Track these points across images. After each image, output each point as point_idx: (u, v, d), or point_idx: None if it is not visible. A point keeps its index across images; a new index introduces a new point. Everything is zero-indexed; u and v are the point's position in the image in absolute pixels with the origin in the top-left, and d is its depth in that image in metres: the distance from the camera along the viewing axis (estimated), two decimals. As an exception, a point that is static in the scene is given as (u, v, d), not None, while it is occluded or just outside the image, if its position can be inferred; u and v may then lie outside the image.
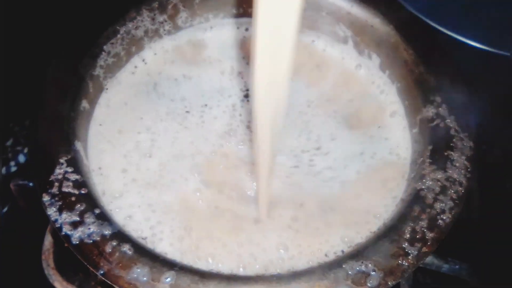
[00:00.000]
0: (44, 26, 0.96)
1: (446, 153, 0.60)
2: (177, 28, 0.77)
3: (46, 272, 0.69)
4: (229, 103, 0.71)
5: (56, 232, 0.67)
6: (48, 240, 0.71)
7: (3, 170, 0.91)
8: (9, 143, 0.93)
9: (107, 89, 0.70)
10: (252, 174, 0.64)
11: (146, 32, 0.74)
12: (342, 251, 0.58)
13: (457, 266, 0.64)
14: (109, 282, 0.51)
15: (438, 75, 0.66)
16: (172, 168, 0.65)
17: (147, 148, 0.66)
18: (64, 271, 0.69)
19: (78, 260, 0.81)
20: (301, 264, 0.57)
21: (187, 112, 0.70)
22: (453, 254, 0.64)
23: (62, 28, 0.76)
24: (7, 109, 0.92)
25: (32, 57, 0.95)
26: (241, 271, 0.57)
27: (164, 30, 0.76)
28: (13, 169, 0.91)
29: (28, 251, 0.77)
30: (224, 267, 0.57)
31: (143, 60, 0.75)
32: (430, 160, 0.61)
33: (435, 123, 0.63)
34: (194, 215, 0.61)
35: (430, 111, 0.64)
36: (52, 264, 0.69)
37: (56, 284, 0.67)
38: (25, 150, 0.92)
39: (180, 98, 0.72)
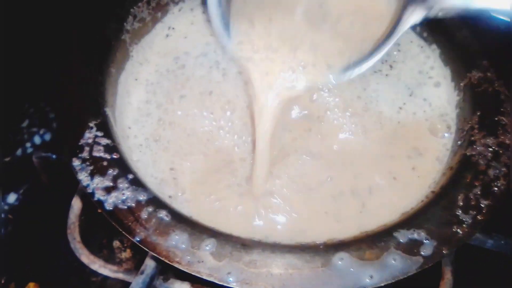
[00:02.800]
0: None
1: (496, 118, 0.57)
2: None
3: (72, 246, 0.66)
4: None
5: (85, 200, 0.65)
6: (73, 214, 0.68)
7: (19, 151, 0.88)
8: (24, 124, 0.91)
9: (132, 55, 0.67)
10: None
11: (172, -3, 0.71)
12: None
13: (502, 242, 0.60)
14: (146, 249, 0.48)
15: (483, 39, 0.62)
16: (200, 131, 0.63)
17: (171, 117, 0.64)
18: (89, 247, 0.66)
19: (102, 235, 0.79)
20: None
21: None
22: (498, 228, 0.60)
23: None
24: (22, 90, 0.90)
25: (50, 30, 0.92)
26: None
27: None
28: (29, 150, 0.89)
29: (52, 227, 0.74)
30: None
31: (169, 27, 0.71)
32: (479, 126, 0.57)
33: (482, 88, 0.60)
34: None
35: (476, 76, 0.61)
36: (78, 237, 0.66)
37: (83, 257, 0.65)
38: (41, 131, 0.90)
39: (206, 64, 0.69)
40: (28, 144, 0.89)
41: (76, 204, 0.68)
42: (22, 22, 0.92)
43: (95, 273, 0.65)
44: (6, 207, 0.83)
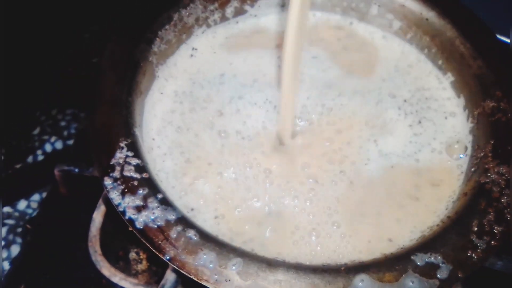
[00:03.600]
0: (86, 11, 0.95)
1: (509, 148, 0.59)
2: (224, 19, 0.76)
3: (93, 258, 0.68)
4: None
5: (106, 216, 0.67)
6: (94, 227, 0.70)
7: (30, 158, 0.90)
8: (35, 132, 0.92)
9: (158, 75, 0.69)
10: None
11: (197, 20, 0.73)
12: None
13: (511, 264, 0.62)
14: (176, 268, 0.50)
15: (498, 69, 0.65)
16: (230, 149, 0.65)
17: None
18: (106, 258, 0.68)
19: (118, 248, 0.80)
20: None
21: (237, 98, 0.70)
22: (508, 251, 0.62)
23: (109, 13, 0.75)
24: (34, 98, 0.92)
25: (65, 45, 0.94)
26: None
27: (214, 19, 0.75)
28: (40, 158, 0.90)
29: (71, 238, 0.76)
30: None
31: (193, 48, 0.73)
32: (492, 154, 0.59)
33: (496, 117, 0.62)
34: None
35: (490, 105, 0.63)
36: (99, 250, 0.68)
37: (104, 270, 0.66)
38: (52, 139, 0.92)
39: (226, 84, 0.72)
40: (39, 152, 0.91)
41: (97, 217, 0.70)
42: (40, 32, 0.94)
43: (111, 285, 0.67)
44: (16, 214, 0.84)
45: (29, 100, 0.92)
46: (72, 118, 0.93)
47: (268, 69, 0.72)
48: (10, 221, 0.83)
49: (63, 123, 0.93)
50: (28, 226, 0.84)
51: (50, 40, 0.94)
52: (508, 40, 0.74)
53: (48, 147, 0.91)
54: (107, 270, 0.67)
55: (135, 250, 0.79)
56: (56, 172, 0.76)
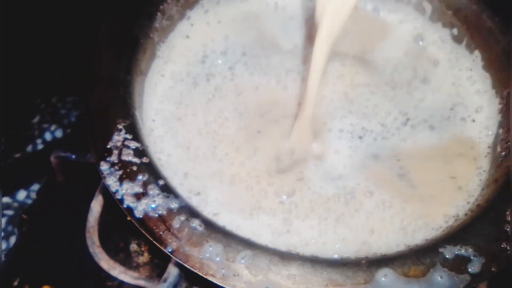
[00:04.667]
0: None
1: (543, 130, 0.54)
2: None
3: (91, 250, 0.64)
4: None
5: (104, 204, 0.62)
6: (92, 217, 0.66)
7: (30, 147, 0.86)
8: (35, 120, 0.89)
9: (159, 56, 0.64)
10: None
11: (201, -6, 0.68)
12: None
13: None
14: (179, 261, 0.45)
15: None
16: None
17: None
18: (106, 249, 0.64)
19: (118, 239, 0.77)
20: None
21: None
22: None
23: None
24: (33, 85, 0.89)
25: (63, 29, 0.90)
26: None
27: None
28: (40, 146, 0.87)
29: (68, 228, 0.72)
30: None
31: (192, 25, 0.68)
32: (524, 137, 0.54)
33: (528, 96, 0.57)
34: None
35: (521, 84, 0.58)
36: (97, 242, 0.64)
37: (102, 263, 0.62)
38: (52, 128, 0.88)
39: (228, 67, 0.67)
40: (38, 140, 0.88)
41: (96, 207, 0.66)
42: (39, 17, 0.91)
43: (111, 277, 0.63)
44: (15, 204, 0.81)
45: (29, 87, 0.89)
46: (72, 106, 0.91)
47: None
48: (9, 212, 0.80)
49: (63, 111, 0.90)
50: (24, 216, 0.80)
51: (50, 28, 0.90)
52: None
53: (48, 136, 0.88)
54: (105, 262, 0.63)
55: (136, 241, 0.75)
56: (52, 159, 0.72)
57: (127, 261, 0.75)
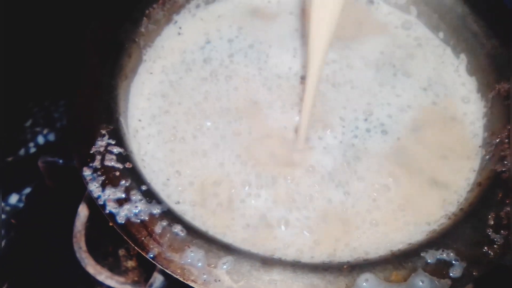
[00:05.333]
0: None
1: (528, 133, 0.54)
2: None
3: (78, 255, 0.63)
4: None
5: (91, 209, 0.62)
6: (79, 221, 0.66)
7: (22, 151, 0.86)
8: (28, 124, 0.89)
9: (145, 58, 0.64)
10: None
11: (187, -2, 0.68)
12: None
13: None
14: (160, 267, 0.45)
15: (513, 48, 0.60)
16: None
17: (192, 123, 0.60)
18: (94, 256, 0.64)
19: (107, 243, 0.76)
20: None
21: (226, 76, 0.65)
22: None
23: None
24: (26, 89, 0.88)
25: (56, 33, 0.90)
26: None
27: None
28: (32, 150, 0.86)
29: (56, 234, 0.72)
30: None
31: (180, 28, 0.68)
32: (509, 141, 0.54)
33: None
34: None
35: (505, 88, 0.58)
36: (84, 247, 0.64)
37: (88, 268, 0.62)
38: (45, 131, 0.88)
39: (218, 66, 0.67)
40: (31, 144, 0.88)
41: (83, 211, 0.66)
42: (31, 21, 0.90)
43: (99, 283, 0.62)
44: (7, 208, 0.81)
45: (21, 91, 0.89)
46: (65, 109, 0.90)
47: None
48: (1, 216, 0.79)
49: (56, 115, 0.90)
50: (12, 220, 0.80)
51: (42, 31, 0.90)
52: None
53: (40, 139, 0.88)
54: (92, 267, 0.63)
55: (125, 246, 0.75)
56: (40, 163, 0.72)
57: (115, 266, 0.74)
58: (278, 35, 0.69)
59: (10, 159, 0.85)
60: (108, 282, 0.62)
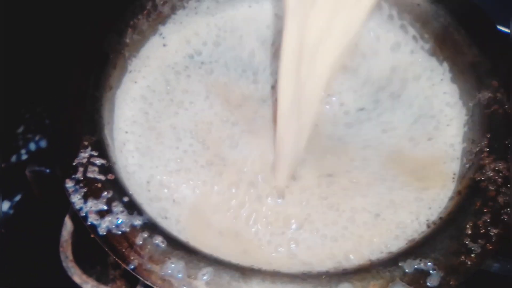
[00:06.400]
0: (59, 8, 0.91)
1: (506, 142, 0.55)
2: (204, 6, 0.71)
3: (64, 264, 0.64)
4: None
5: (77, 221, 0.62)
6: (66, 231, 0.66)
7: (14, 158, 0.86)
8: (20, 130, 0.89)
9: (131, 69, 0.64)
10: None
11: (172, 8, 0.69)
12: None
13: (508, 266, 0.58)
14: (141, 278, 0.46)
15: (494, 57, 0.60)
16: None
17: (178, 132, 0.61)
18: (81, 263, 0.64)
19: (96, 252, 0.77)
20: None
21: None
22: (504, 252, 0.58)
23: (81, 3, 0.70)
24: (18, 95, 0.89)
25: (45, 40, 0.91)
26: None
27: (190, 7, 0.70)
28: (24, 157, 0.87)
29: (43, 243, 0.72)
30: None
31: (164, 38, 0.69)
32: (489, 149, 0.55)
33: (492, 109, 0.58)
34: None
35: (486, 96, 0.59)
36: (70, 256, 0.64)
37: (75, 277, 0.62)
38: (37, 138, 0.88)
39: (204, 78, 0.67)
40: (23, 151, 0.87)
41: (70, 221, 0.66)
42: (23, 28, 0.90)
43: (86, 292, 0.63)
44: (-2, 217, 0.81)
45: (13, 97, 0.89)
46: (48, 121, 0.89)
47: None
48: (-7, 223, 0.79)
49: (48, 121, 0.89)
50: (2, 230, 0.80)
51: (35, 37, 0.90)
52: (507, 30, 0.69)
53: (32, 146, 0.87)
54: (78, 277, 0.63)
55: (114, 254, 0.74)
56: (27, 173, 0.72)
57: (104, 274, 0.75)
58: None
59: (2, 165, 0.84)
60: (94, 291, 0.62)
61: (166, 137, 0.62)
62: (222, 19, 0.72)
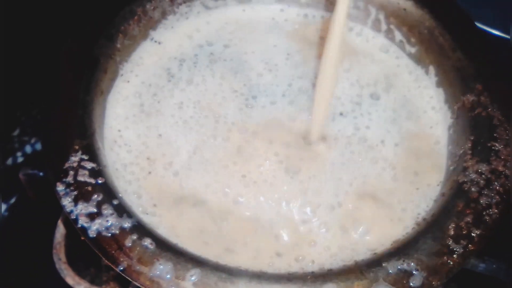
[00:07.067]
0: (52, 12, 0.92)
1: (489, 144, 0.56)
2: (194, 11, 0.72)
3: (57, 266, 0.64)
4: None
5: (69, 224, 0.63)
6: (59, 233, 0.67)
7: (10, 160, 0.87)
8: (16, 133, 0.89)
9: (122, 73, 0.65)
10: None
11: (163, 13, 0.70)
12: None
13: (494, 266, 0.59)
14: (129, 279, 0.47)
15: (478, 61, 0.61)
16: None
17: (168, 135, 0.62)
18: (75, 265, 0.65)
19: (90, 254, 0.77)
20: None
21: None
22: (490, 252, 0.59)
23: (73, 8, 0.71)
24: (14, 98, 0.89)
25: (41, 43, 0.91)
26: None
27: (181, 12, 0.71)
28: (20, 159, 0.87)
29: (37, 244, 0.73)
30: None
31: (159, 43, 0.70)
32: (472, 152, 0.56)
33: (476, 112, 0.59)
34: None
35: (470, 99, 0.60)
36: (63, 258, 0.65)
37: (68, 279, 0.63)
38: (32, 141, 0.89)
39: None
40: (19, 153, 0.88)
41: (62, 223, 0.67)
42: (18, 31, 0.91)
43: (79, 294, 0.63)
44: (-7, 219, 0.82)
45: (9, 99, 0.89)
46: (39, 125, 0.89)
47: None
48: (-13, 226, 0.79)
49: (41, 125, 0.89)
50: (-4, 233, 0.81)
51: (31, 39, 0.90)
52: (488, 29, 0.70)
53: (28, 149, 0.88)
54: (71, 278, 0.64)
55: (108, 255, 0.75)
56: (21, 176, 0.73)
57: (97, 276, 0.75)
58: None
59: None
60: (87, 293, 0.63)
61: (159, 133, 0.63)
62: (213, 24, 0.72)
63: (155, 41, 0.70)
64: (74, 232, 0.65)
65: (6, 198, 0.83)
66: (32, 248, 0.75)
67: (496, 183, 0.53)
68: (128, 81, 0.66)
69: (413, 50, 0.69)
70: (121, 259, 0.48)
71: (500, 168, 0.54)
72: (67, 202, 0.50)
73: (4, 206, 0.83)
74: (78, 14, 0.66)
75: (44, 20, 0.92)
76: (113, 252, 0.48)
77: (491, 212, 0.51)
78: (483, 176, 0.54)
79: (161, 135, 0.62)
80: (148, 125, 0.63)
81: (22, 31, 0.91)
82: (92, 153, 0.54)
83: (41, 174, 0.71)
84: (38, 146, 0.88)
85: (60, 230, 0.66)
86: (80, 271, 0.65)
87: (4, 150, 0.88)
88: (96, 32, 0.63)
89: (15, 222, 0.80)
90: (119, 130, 0.61)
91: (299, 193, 0.58)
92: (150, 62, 0.68)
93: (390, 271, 0.48)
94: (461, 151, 0.58)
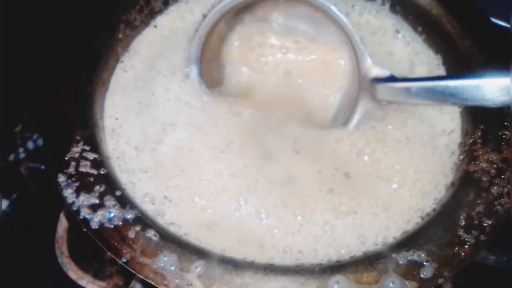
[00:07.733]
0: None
1: (500, 133, 0.54)
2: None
3: (59, 260, 0.64)
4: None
5: (71, 218, 0.62)
6: (61, 227, 0.66)
7: (12, 156, 0.86)
8: (17, 129, 0.89)
9: (122, 61, 0.64)
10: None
11: (165, 3, 0.68)
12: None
13: (504, 258, 0.58)
14: (133, 271, 0.46)
15: (486, 49, 0.60)
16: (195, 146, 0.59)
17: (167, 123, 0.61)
18: (78, 259, 0.64)
19: (93, 248, 0.77)
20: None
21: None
22: (501, 244, 0.58)
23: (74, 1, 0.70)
24: (16, 94, 0.88)
25: (43, 41, 0.90)
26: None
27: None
28: (22, 155, 0.87)
29: (40, 239, 0.72)
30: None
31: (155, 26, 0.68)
32: (482, 141, 0.55)
33: (485, 100, 0.57)
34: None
35: (479, 88, 0.58)
36: (66, 252, 0.64)
37: (70, 273, 0.63)
38: (34, 137, 0.88)
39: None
40: (21, 150, 0.87)
41: (65, 217, 0.66)
42: (19, 28, 0.90)
43: (81, 288, 0.62)
44: (-5, 215, 0.81)
45: (11, 96, 0.88)
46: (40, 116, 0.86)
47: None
48: (-10, 221, 0.78)
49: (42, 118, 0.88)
50: (-1, 227, 0.80)
51: (32, 36, 0.90)
52: (501, 23, 0.69)
53: (30, 145, 0.87)
54: (74, 272, 0.63)
55: (111, 250, 0.74)
56: (22, 169, 0.72)
57: (100, 270, 0.75)
58: None
59: (2, 164, 0.84)
60: (90, 287, 0.62)
61: (159, 120, 0.61)
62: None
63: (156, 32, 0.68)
64: (77, 226, 0.64)
65: (8, 194, 0.83)
66: (35, 243, 0.75)
67: (507, 172, 0.52)
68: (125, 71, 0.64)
69: (420, 38, 0.67)
70: (124, 251, 0.47)
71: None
72: (68, 194, 0.49)
73: (6, 202, 0.82)
74: (79, 6, 0.65)
75: (45, 19, 0.92)
76: (116, 244, 0.47)
77: (502, 202, 0.50)
78: (494, 165, 0.53)
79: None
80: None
81: (23, 31, 0.91)
82: (94, 144, 0.53)
83: (42, 167, 0.70)
84: (40, 142, 0.88)
85: (62, 224, 0.66)
86: (83, 266, 0.64)
87: (6, 146, 0.87)
88: (97, 23, 0.62)
89: (17, 217, 0.79)
90: (116, 119, 0.60)
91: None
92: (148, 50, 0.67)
93: (400, 262, 0.47)
94: (471, 140, 0.56)
